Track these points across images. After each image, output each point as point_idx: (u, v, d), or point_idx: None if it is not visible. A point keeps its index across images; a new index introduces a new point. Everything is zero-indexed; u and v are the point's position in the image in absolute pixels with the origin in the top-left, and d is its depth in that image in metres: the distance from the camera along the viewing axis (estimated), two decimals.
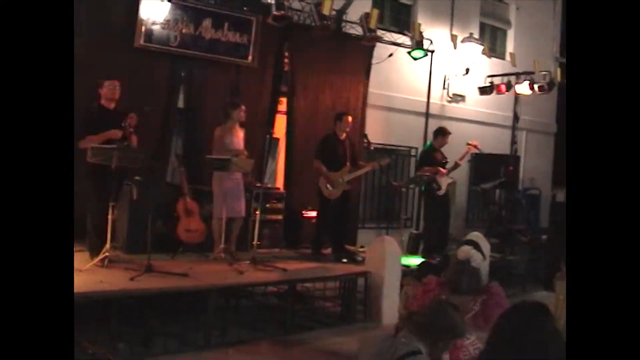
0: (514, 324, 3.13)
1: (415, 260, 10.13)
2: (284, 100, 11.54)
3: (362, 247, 10.69)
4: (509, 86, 14.45)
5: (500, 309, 4.84)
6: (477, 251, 5.09)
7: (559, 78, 14.85)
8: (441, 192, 10.85)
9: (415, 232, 11.91)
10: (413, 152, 14.34)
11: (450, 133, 11.10)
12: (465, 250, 5.02)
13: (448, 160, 11.05)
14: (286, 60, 11.35)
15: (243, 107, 9.12)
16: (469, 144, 11.19)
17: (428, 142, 11.25)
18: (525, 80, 14.21)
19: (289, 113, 11.57)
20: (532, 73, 14.26)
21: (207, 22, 10.06)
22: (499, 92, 14.61)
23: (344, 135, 9.91)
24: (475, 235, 9.95)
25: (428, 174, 10.73)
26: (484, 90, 14.78)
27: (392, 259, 8.93)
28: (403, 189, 11.33)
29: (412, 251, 10.97)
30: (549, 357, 3.02)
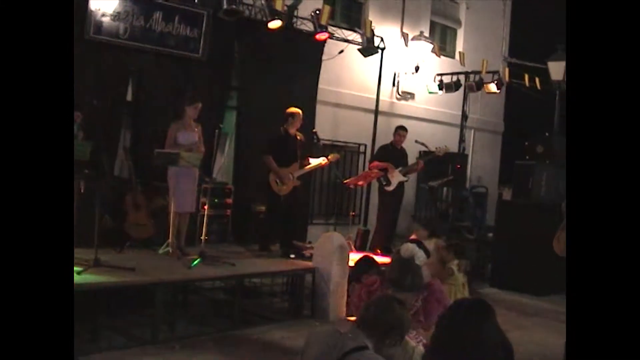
0: (455, 322, 3.20)
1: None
2: (233, 95, 11.52)
3: (309, 242, 10.73)
4: (457, 85, 14.59)
5: (440, 305, 4.94)
6: (421, 249, 5.17)
7: (507, 78, 15.04)
8: (389, 189, 11.01)
9: (363, 228, 11.98)
10: (362, 149, 14.44)
11: (405, 130, 11.39)
12: (409, 248, 5.09)
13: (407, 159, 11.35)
14: (236, 55, 11.32)
15: (200, 105, 9.02)
16: (438, 148, 11.52)
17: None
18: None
19: (239, 108, 11.56)
20: (481, 72, 14.42)
21: (157, 15, 9.97)
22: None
23: (295, 131, 9.94)
24: None
25: (375, 170, 10.91)
26: (449, 87, 14.78)
27: (339, 256, 8.98)
28: (351, 186, 11.40)
29: (360, 247, 11.04)
30: (490, 354, 3.10)
